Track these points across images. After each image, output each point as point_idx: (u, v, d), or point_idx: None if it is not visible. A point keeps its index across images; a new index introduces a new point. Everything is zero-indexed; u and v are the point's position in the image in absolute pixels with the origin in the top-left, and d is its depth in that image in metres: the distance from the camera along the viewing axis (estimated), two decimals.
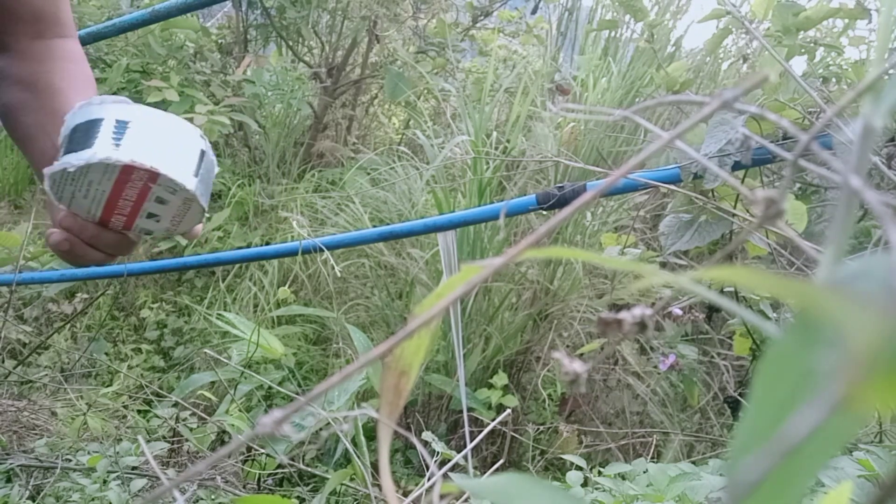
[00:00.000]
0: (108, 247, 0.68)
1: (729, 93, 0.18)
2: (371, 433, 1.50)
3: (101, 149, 0.61)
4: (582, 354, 1.61)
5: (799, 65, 1.95)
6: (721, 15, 1.31)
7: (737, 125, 1.01)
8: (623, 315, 0.19)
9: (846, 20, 1.36)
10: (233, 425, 1.49)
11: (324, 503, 1.19)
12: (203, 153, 0.65)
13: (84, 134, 0.62)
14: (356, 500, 1.54)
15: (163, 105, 2.60)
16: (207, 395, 1.73)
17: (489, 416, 1.91)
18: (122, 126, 0.61)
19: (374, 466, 1.11)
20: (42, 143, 0.71)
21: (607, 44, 3.06)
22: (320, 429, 1.07)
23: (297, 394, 1.65)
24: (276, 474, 1.67)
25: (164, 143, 0.62)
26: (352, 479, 1.37)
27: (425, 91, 3.15)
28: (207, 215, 2.72)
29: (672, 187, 1.13)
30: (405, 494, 1.66)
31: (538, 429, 2.01)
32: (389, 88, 2.98)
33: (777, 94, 1.12)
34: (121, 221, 0.66)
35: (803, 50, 1.26)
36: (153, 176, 0.62)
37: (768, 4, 1.23)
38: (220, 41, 3.19)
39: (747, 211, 1.18)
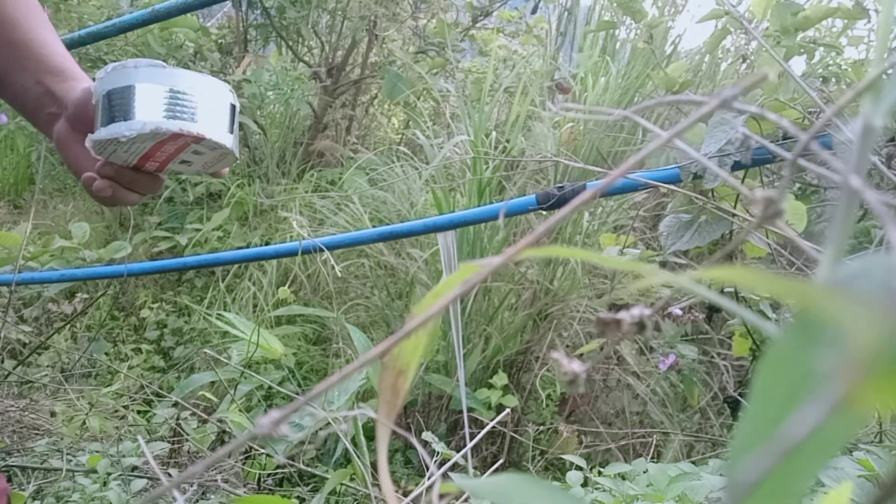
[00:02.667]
0: (142, 188, 0.72)
1: (728, 92, 0.18)
2: (371, 433, 1.50)
3: (150, 117, 0.64)
4: (581, 354, 1.61)
5: (799, 64, 1.95)
6: (720, 15, 1.31)
7: (736, 125, 1.01)
8: (622, 315, 0.19)
9: (846, 20, 1.36)
10: (234, 421, 1.49)
11: (323, 503, 1.19)
12: (233, 107, 0.69)
13: (124, 100, 0.64)
14: (356, 499, 1.54)
15: None
16: (207, 395, 1.73)
17: (489, 416, 1.91)
18: (162, 92, 0.64)
19: (374, 466, 1.11)
20: (22, 80, 0.72)
21: (605, 43, 3.06)
22: (320, 429, 1.07)
23: (297, 394, 1.65)
24: (276, 474, 1.67)
25: (203, 106, 0.65)
26: (352, 479, 1.37)
27: (424, 91, 3.15)
28: (208, 215, 2.73)
29: (672, 187, 1.13)
30: (405, 494, 1.66)
31: (538, 429, 2.01)
32: (388, 88, 2.98)
33: (777, 94, 1.12)
34: (154, 166, 0.70)
35: (802, 50, 1.26)
36: (197, 139, 0.65)
37: (767, 4, 1.23)
38: (219, 41, 3.19)
39: (747, 211, 1.18)
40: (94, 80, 0.68)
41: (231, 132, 0.68)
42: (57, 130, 0.72)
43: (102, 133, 0.65)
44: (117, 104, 0.64)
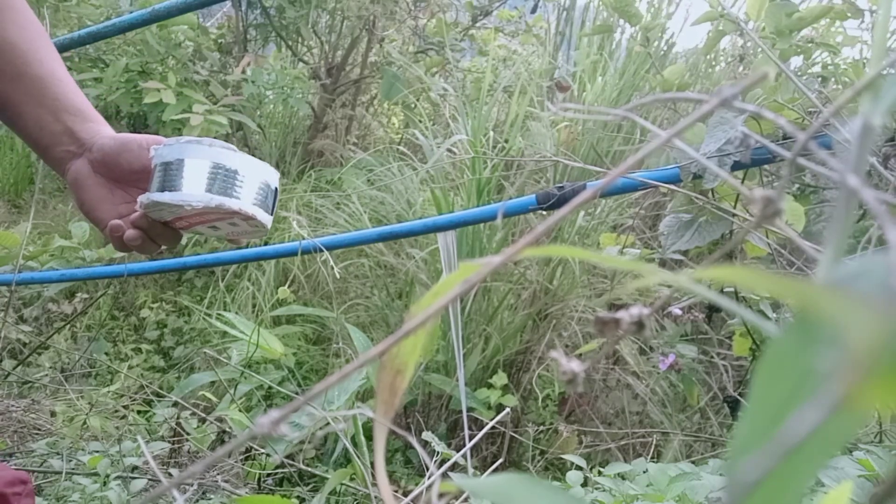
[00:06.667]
0: (164, 241, 0.74)
1: (728, 91, 0.18)
2: (371, 432, 1.49)
3: (217, 194, 0.69)
4: (581, 354, 1.61)
5: (797, 64, 1.95)
6: (714, 17, 1.31)
7: (736, 124, 1.01)
8: (621, 314, 0.19)
9: (840, 20, 1.35)
10: (234, 419, 1.49)
11: (323, 503, 1.19)
12: (276, 191, 0.74)
13: (196, 173, 0.69)
14: (356, 499, 1.54)
15: (160, 107, 2.59)
16: (207, 395, 1.73)
17: (489, 415, 1.91)
18: (229, 171, 0.70)
19: (374, 466, 1.11)
20: (37, 115, 0.71)
21: (602, 42, 3.06)
22: (320, 428, 1.07)
23: (297, 393, 1.65)
24: (276, 474, 1.67)
25: (260, 191, 0.71)
26: (351, 479, 1.37)
27: (423, 91, 3.15)
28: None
29: (672, 187, 1.13)
30: (405, 494, 1.66)
31: (538, 429, 2.01)
32: (385, 89, 2.98)
33: (776, 95, 1.11)
34: (182, 225, 0.73)
35: (799, 50, 1.25)
36: (247, 217, 0.70)
37: (760, 5, 1.22)
38: (219, 41, 3.19)
39: (747, 211, 1.18)
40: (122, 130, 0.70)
41: (272, 214, 0.74)
42: (75, 170, 0.72)
43: (167, 196, 0.68)
44: (189, 174, 0.69)
